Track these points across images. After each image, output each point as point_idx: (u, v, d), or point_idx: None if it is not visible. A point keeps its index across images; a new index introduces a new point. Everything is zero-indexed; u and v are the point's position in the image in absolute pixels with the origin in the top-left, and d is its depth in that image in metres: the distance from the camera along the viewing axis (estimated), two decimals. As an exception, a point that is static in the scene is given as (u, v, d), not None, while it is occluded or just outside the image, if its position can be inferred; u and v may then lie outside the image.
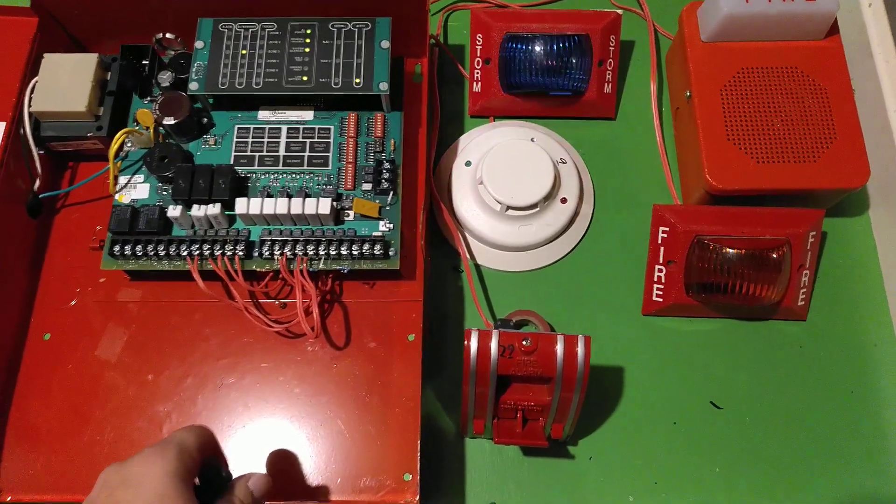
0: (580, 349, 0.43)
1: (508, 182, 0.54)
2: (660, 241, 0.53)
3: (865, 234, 0.58)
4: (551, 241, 0.56)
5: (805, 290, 0.54)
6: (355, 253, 0.49)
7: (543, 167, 0.55)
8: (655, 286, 0.54)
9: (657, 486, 0.50)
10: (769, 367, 0.54)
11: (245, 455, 0.48)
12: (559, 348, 0.43)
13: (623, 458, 0.51)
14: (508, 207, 0.54)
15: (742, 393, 0.53)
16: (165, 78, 0.54)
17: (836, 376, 0.54)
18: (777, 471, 0.51)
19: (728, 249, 0.51)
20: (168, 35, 0.55)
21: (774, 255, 0.51)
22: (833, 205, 0.57)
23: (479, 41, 0.59)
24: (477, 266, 0.56)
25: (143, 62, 0.56)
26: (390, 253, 0.50)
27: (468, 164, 0.57)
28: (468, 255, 0.56)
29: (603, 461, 0.51)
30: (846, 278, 0.57)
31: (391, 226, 0.51)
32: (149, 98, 0.56)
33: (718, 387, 0.53)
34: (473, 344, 0.43)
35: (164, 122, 0.52)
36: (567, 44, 0.58)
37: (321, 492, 0.47)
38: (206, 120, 0.54)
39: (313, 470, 0.48)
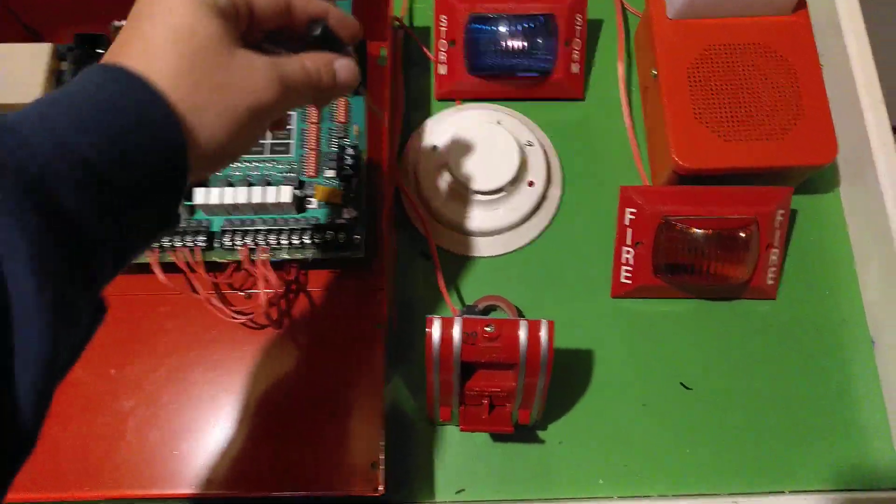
0: (543, 334, 0.43)
1: (475, 166, 0.54)
2: (627, 223, 0.53)
3: (835, 211, 0.58)
4: (519, 225, 0.56)
5: (774, 268, 0.54)
6: (318, 241, 0.49)
7: (509, 150, 0.54)
8: (623, 268, 0.54)
9: (627, 468, 0.50)
10: (739, 346, 0.54)
11: (211, 447, 0.48)
12: (522, 334, 0.43)
13: (593, 442, 0.51)
14: (475, 192, 0.54)
15: (712, 373, 0.53)
16: (121, 66, 0.53)
17: (807, 354, 0.54)
18: (748, 450, 0.51)
19: (695, 230, 0.50)
20: (124, 22, 0.53)
21: (742, 235, 0.51)
22: (802, 182, 0.56)
23: (443, 22, 0.58)
24: (444, 252, 0.56)
25: (98, 51, 0.54)
26: (355, 240, 0.50)
27: (434, 148, 0.57)
28: (435, 241, 0.56)
29: (573, 445, 0.51)
30: (816, 256, 0.57)
31: (355, 213, 0.50)
32: (106, 87, 0.54)
33: (688, 367, 0.53)
34: (435, 332, 0.43)
35: (121, 112, 0.51)
36: (532, 24, 0.57)
37: (287, 483, 0.47)
38: (164, 109, 0.53)
39: (279, 461, 0.47)
